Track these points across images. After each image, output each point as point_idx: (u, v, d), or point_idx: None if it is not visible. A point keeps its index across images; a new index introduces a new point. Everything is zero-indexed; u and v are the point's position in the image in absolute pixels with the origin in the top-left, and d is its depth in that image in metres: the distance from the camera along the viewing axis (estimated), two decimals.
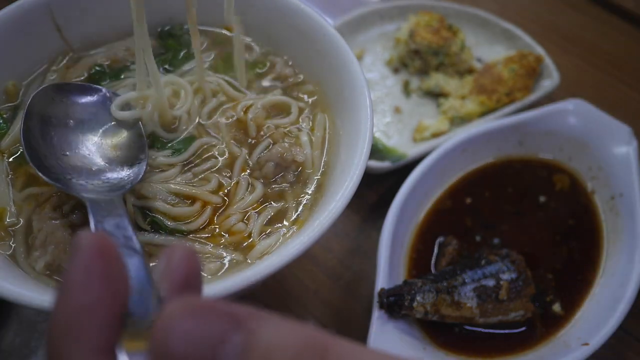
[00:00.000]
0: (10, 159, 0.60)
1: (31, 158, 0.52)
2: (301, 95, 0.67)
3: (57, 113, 0.57)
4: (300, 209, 0.59)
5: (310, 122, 0.65)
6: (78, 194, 0.50)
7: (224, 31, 0.73)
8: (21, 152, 0.60)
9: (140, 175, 0.56)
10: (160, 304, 0.30)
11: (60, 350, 0.27)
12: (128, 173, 0.56)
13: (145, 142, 0.59)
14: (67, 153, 0.55)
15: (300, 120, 0.65)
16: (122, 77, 0.67)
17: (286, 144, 0.61)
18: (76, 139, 0.56)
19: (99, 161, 0.56)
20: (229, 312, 0.26)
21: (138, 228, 0.55)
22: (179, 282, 0.30)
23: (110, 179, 0.54)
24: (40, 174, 0.52)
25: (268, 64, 0.70)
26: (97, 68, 0.67)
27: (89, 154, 0.56)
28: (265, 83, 0.68)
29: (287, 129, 0.64)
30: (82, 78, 0.66)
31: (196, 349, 0.25)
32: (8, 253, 0.54)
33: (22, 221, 0.56)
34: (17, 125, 0.62)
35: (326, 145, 0.63)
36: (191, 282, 0.31)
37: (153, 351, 0.26)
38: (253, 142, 0.63)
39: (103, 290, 0.27)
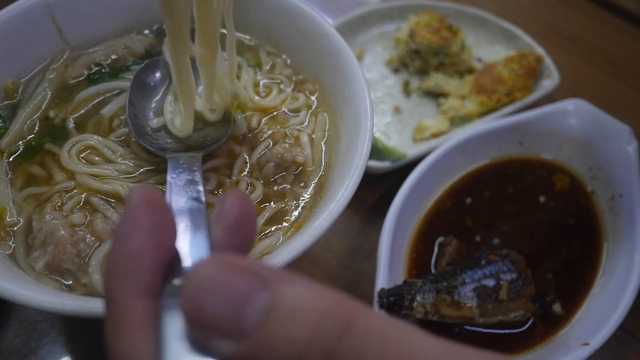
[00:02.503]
0: (10, 159, 0.60)
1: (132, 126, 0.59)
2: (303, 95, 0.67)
3: (150, 85, 0.63)
4: (300, 209, 0.59)
5: (312, 122, 0.65)
6: (163, 153, 0.55)
7: (224, 31, 0.72)
8: (21, 151, 0.60)
9: (225, 137, 0.59)
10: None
11: (107, 291, 0.30)
12: (209, 136, 0.59)
13: (229, 116, 0.61)
14: (155, 120, 0.60)
15: (306, 120, 0.65)
16: (122, 77, 0.67)
17: (286, 145, 0.61)
18: (163, 108, 0.62)
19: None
20: (258, 271, 0.27)
21: None
22: (230, 224, 0.33)
23: (192, 141, 0.57)
24: (136, 137, 0.58)
25: (269, 64, 0.70)
26: (96, 67, 0.67)
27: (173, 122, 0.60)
28: (266, 83, 0.68)
29: (288, 129, 0.64)
30: (82, 78, 0.66)
31: (223, 304, 0.26)
32: (8, 253, 0.54)
33: (21, 221, 0.56)
34: (17, 124, 0.62)
35: (326, 146, 0.63)
36: (242, 224, 0.33)
37: (183, 304, 0.27)
38: (253, 141, 0.62)
39: (145, 240, 0.30)
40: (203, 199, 0.40)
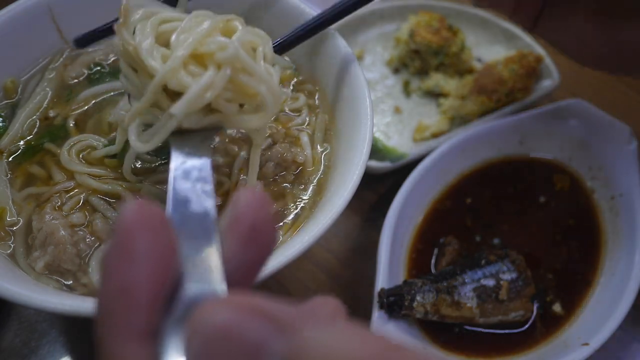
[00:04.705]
0: (10, 159, 0.60)
1: None
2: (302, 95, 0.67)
3: None
4: (299, 209, 0.59)
5: (312, 122, 0.65)
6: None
7: None
8: (20, 151, 0.60)
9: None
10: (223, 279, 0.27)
11: (101, 334, 0.25)
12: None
13: None
14: None
15: (306, 120, 0.65)
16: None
17: (286, 144, 0.61)
18: None
19: None
20: (273, 314, 0.23)
21: None
22: (245, 233, 0.28)
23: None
24: None
25: None
26: (96, 67, 0.67)
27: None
28: None
29: (288, 128, 0.64)
30: (82, 78, 0.66)
31: (232, 357, 0.22)
32: (7, 253, 0.54)
33: (21, 221, 0.56)
34: (16, 124, 0.62)
35: (326, 146, 0.63)
36: (259, 231, 0.28)
37: (187, 355, 0.24)
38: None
39: (140, 270, 0.25)
40: (213, 201, 0.33)
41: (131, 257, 0.25)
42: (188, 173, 0.36)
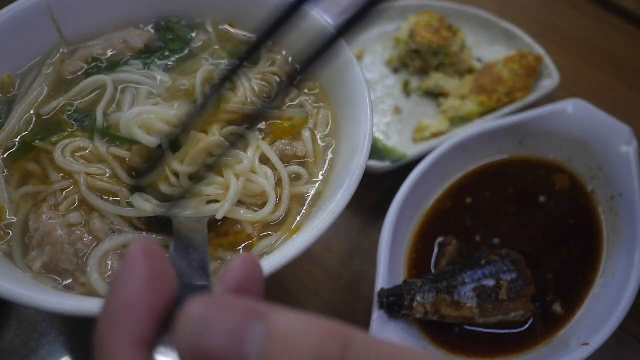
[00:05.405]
0: (5, 155, 0.59)
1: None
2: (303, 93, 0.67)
3: None
4: (300, 208, 0.59)
5: (313, 118, 0.65)
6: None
7: (227, 27, 0.73)
8: (16, 147, 0.60)
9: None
10: None
11: (102, 340, 0.29)
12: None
13: None
14: None
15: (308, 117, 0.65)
16: (119, 71, 0.66)
17: (287, 141, 0.61)
18: None
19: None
20: (249, 305, 0.27)
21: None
22: (232, 287, 0.32)
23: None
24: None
25: (270, 61, 0.70)
26: (95, 62, 0.67)
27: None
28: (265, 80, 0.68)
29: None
30: (80, 73, 0.66)
31: (223, 337, 0.26)
32: (5, 252, 0.54)
33: (19, 220, 0.55)
34: (12, 120, 0.61)
35: (326, 144, 0.63)
36: (246, 287, 0.32)
37: (179, 343, 0.27)
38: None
39: (142, 288, 0.30)
40: (209, 271, 0.39)
41: (135, 277, 0.30)
42: (186, 255, 0.42)
